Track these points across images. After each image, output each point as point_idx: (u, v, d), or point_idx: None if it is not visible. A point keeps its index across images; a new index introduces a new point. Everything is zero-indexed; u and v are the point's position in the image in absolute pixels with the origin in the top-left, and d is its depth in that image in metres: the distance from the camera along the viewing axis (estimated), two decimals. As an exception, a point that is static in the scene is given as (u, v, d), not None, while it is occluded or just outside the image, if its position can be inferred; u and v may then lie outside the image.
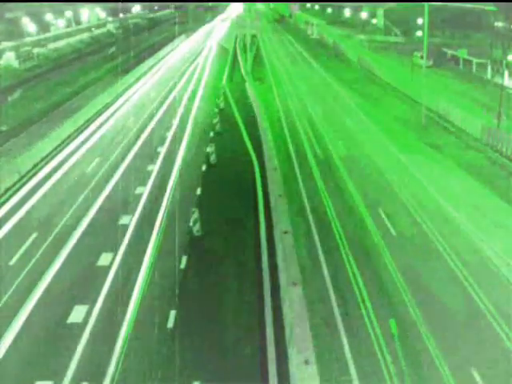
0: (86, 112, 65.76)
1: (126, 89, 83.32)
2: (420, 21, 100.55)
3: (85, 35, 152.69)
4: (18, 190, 42.43)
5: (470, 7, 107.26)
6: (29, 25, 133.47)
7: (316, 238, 33.55)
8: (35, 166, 47.55)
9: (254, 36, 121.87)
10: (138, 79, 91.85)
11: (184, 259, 30.87)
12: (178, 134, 57.73)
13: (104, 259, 31.12)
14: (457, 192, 39.70)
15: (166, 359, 22.85)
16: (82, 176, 45.20)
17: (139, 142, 54.71)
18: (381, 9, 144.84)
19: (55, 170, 46.88)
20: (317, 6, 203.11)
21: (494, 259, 30.32)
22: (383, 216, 36.15)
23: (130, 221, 36.23)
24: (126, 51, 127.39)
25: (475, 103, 64.95)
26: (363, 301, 26.89)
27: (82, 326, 25.08)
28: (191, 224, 33.78)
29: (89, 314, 26.03)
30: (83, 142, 55.36)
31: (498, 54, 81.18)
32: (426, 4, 58.76)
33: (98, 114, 67.55)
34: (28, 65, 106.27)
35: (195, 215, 33.69)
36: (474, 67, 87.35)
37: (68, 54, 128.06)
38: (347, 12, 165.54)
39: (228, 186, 42.33)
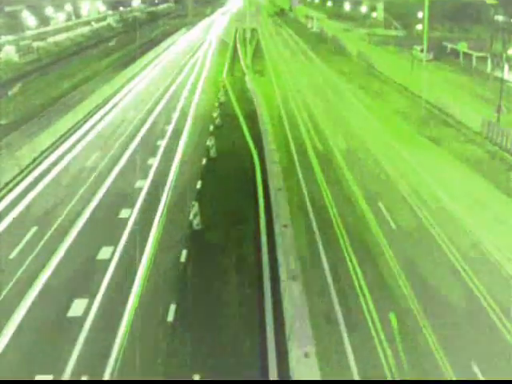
0: (86, 105, 65.75)
1: (126, 83, 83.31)
2: (420, 14, 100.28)
3: (85, 29, 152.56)
4: (17, 183, 42.47)
5: (470, 0, 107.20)
6: (29, 18, 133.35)
7: (316, 231, 33.56)
8: (35, 159, 47.58)
9: (253, 30, 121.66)
10: (137, 73, 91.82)
11: (184, 253, 30.91)
12: (178, 127, 57.74)
13: (104, 253, 31.17)
14: (456, 185, 39.70)
15: (166, 353, 22.91)
16: (82, 169, 45.22)
17: (139, 136, 54.70)
18: (381, 2, 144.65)
19: (55, 163, 46.91)
20: (317, 0, 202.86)
21: (494, 253, 30.34)
22: (383, 209, 36.16)
23: (130, 214, 36.25)
24: (125, 45, 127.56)
25: (475, 97, 64.92)
26: (363, 294, 26.92)
27: (82, 320, 25.12)
28: (191, 217, 33.80)
29: (89, 307, 26.07)
30: (83, 136, 55.40)
31: (498, 48, 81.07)
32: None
33: (98, 107, 67.58)
34: (28, 58, 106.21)
35: (195, 209, 33.71)
36: (474, 61, 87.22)
37: (68, 47, 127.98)
38: (347, 5, 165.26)
39: (228, 180, 42.32)
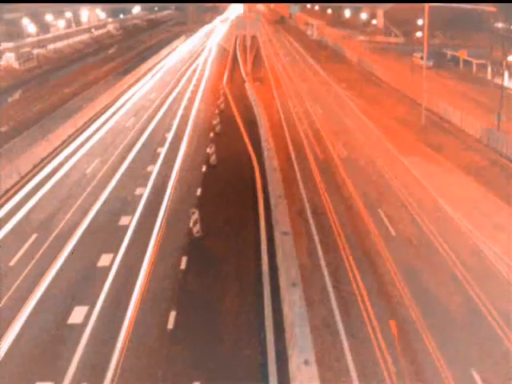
0: (87, 112, 65.87)
1: (126, 90, 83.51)
2: (420, 21, 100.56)
3: (85, 36, 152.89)
4: (18, 190, 42.49)
5: (470, 8, 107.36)
6: (29, 26, 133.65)
7: (316, 238, 33.52)
8: (35, 166, 47.61)
9: (253, 37, 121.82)
10: (137, 81, 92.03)
11: (184, 260, 30.90)
12: (178, 134, 57.76)
13: (104, 260, 31.17)
14: (457, 193, 39.69)
15: (166, 360, 22.88)
16: (82, 177, 45.24)
17: (139, 143, 54.74)
18: (381, 9, 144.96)
19: (55, 170, 46.94)
20: (317, 7, 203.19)
21: (494, 260, 30.32)
22: (383, 216, 36.16)
23: (130, 222, 36.26)
24: (125, 52, 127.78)
25: (475, 104, 64.98)
26: (363, 301, 26.88)
27: (82, 327, 25.10)
28: (191, 225, 33.81)
29: (89, 314, 26.06)
30: (83, 143, 55.47)
31: (498, 55, 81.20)
32: (426, 5, 58.74)
33: (98, 114, 67.74)
34: (28, 65, 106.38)
35: (195, 216, 33.72)
36: (474, 68, 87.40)
37: (68, 54, 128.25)
38: (347, 13, 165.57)
39: (228, 187, 42.32)
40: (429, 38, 63.69)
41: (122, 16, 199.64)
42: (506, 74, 67.87)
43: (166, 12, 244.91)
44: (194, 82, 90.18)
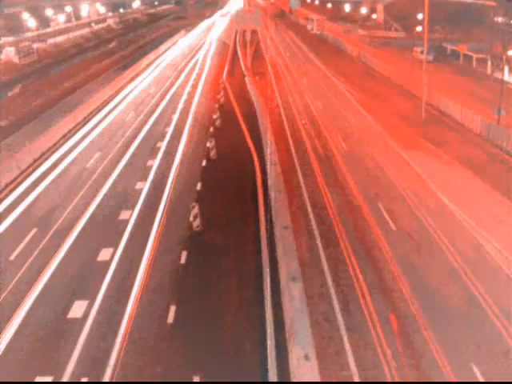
0: (87, 107, 65.83)
1: (126, 84, 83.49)
2: (420, 16, 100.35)
3: (85, 30, 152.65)
4: (18, 185, 42.48)
5: (471, 2, 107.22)
6: (29, 20, 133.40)
7: (316, 232, 33.51)
8: (35, 161, 47.60)
9: (253, 31, 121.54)
10: (137, 74, 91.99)
11: (184, 254, 30.91)
12: (178, 129, 57.74)
13: (104, 254, 31.18)
14: (457, 187, 39.64)
15: (166, 354, 22.90)
16: (82, 171, 45.23)
17: (139, 137, 54.70)
18: (381, 4, 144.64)
19: (55, 164, 46.93)
20: (317, 1, 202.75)
21: (494, 254, 30.31)
22: (383, 211, 36.14)
23: (130, 216, 36.26)
24: (125, 47, 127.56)
25: (475, 98, 64.85)
26: (363, 296, 26.89)
27: (82, 321, 25.13)
28: (191, 219, 33.80)
29: (89, 309, 26.09)
30: (84, 137, 55.46)
31: (498, 49, 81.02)
32: (426, -1, 58.58)
33: (98, 109, 67.70)
34: (28, 60, 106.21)
35: (195, 210, 33.71)
36: (474, 62, 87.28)
37: (68, 49, 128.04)
38: (347, 7, 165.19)
39: (228, 181, 42.30)
40: (429, 33, 63.55)
41: (121, 10, 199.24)
42: (506, 68, 67.76)
43: (166, 6, 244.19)
44: (194, 76, 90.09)
